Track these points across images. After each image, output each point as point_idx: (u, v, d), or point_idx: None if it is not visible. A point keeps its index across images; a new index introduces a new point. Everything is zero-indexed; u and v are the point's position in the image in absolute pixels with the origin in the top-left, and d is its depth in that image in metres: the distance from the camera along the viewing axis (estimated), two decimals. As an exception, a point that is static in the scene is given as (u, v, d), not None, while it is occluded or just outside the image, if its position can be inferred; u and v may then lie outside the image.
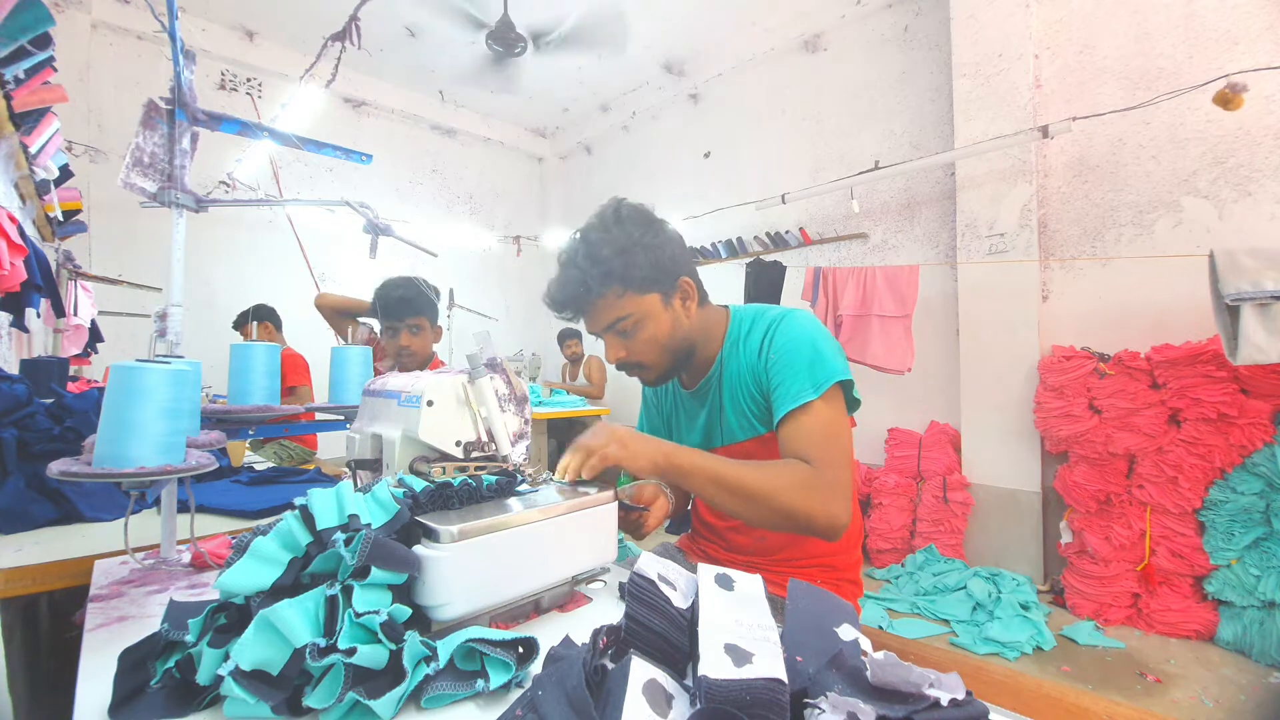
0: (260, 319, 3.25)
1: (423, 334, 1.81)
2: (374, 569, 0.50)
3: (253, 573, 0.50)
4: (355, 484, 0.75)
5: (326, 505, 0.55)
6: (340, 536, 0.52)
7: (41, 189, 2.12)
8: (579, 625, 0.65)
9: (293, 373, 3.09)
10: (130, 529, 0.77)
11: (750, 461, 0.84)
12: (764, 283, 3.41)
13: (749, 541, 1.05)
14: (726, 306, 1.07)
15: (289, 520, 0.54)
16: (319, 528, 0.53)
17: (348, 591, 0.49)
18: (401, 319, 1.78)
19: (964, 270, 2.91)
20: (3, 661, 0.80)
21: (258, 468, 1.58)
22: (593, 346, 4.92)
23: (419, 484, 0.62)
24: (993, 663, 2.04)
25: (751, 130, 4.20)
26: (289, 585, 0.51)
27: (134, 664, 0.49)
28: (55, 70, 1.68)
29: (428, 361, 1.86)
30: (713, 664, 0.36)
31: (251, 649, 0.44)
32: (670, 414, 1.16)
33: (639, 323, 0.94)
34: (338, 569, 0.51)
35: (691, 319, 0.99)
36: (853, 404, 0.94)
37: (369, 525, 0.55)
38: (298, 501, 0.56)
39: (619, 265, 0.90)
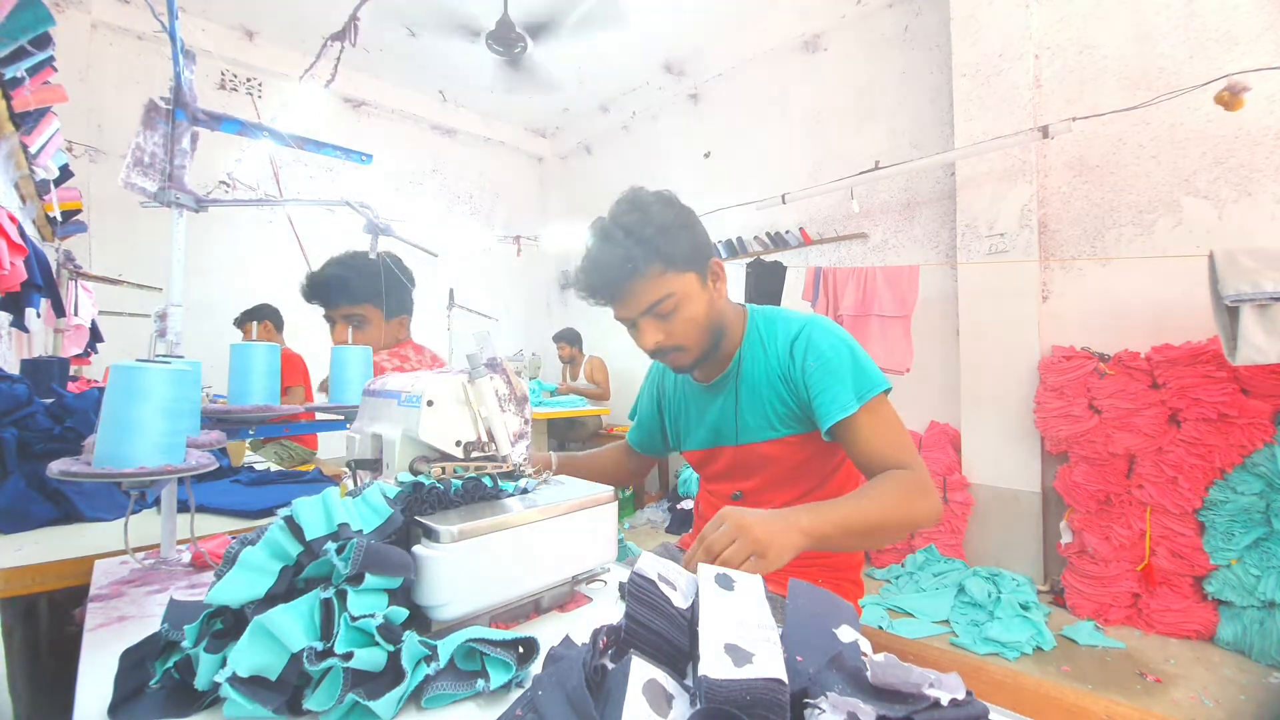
0: (261, 318, 3.25)
1: (369, 328, 1.41)
2: (368, 574, 0.50)
3: (244, 584, 0.49)
4: (354, 482, 0.75)
5: (314, 515, 0.53)
6: (331, 546, 0.51)
7: (41, 189, 2.12)
8: (579, 625, 0.65)
9: (290, 373, 3.09)
10: (130, 529, 0.77)
11: (864, 494, 0.82)
12: (764, 283, 3.41)
13: None
14: (742, 304, 1.08)
15: (275, 532, 0.52)
16: (308, 538, 0.51)
17: (342, 595, 0.49)
18: (334, 308, 1.41)
19: (964, 270, 2.91)
20: (3, 661, 0.80)
21: (257, 468, 1.58)
22: (590, 347, 4.92)
23: (393, 490, 0.60)
24: (993, 663, 2.04)
25: (751, 130, 4.20)
26: (282, 592, 0.50)
27: (134, 664, 0.49)
28: (55, 70, 1.68)
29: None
30: (713, 664, 0.36)
31: (248, 655, 0.44)
32: (679, 408, 1.15)
33: (680, 303, 0.93)
34: (331, 574, 0.51)
35: (723, 300, 1.01)
36: None
37: (360, 532, 0.54)
38: (281, 513, 0.54)
39: (663, 243, 0.89)
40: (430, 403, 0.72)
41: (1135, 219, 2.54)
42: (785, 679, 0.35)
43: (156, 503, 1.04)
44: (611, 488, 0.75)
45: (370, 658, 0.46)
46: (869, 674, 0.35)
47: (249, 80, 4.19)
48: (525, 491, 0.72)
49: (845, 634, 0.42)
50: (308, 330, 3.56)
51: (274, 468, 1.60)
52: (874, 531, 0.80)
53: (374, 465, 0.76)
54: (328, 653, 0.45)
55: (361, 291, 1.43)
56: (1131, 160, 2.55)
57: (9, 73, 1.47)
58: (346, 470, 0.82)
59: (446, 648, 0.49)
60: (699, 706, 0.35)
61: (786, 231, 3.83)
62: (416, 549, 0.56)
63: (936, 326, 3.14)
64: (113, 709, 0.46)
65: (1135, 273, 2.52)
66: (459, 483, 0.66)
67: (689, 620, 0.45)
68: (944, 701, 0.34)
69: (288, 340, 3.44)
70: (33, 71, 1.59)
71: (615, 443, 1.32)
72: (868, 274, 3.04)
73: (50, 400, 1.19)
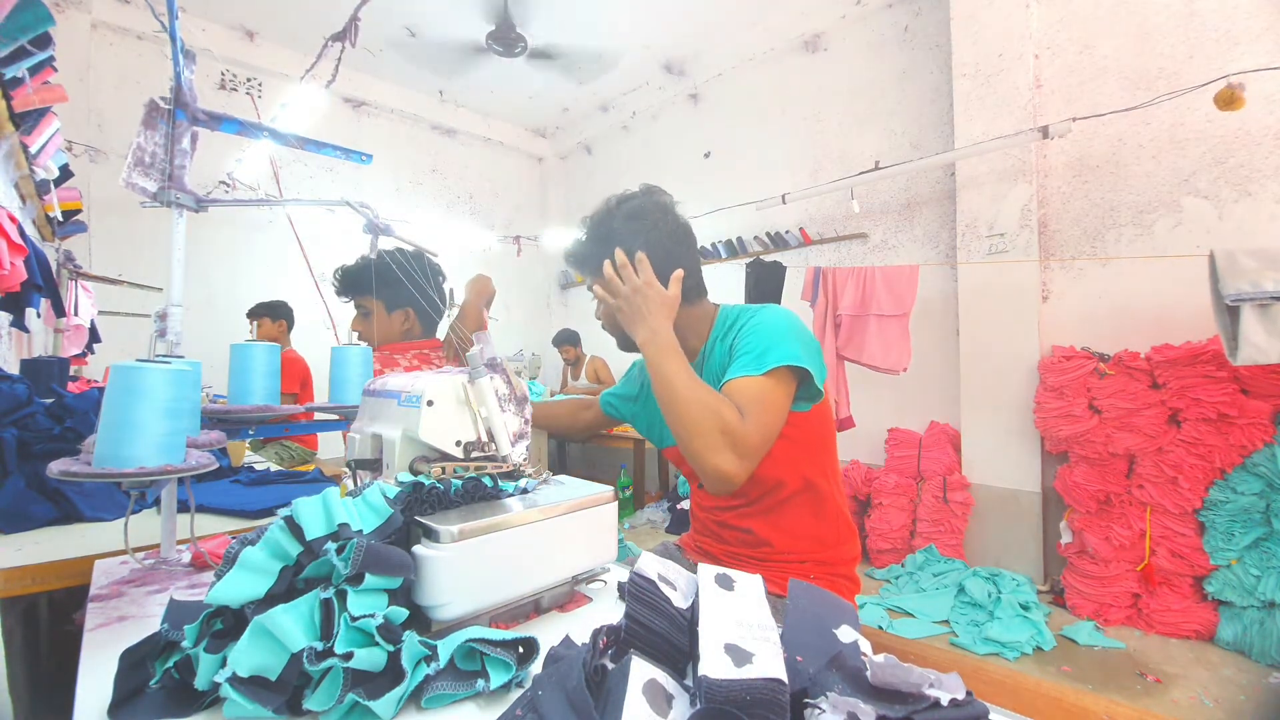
0: (278, 316, 3.28)
1: (371, 318, 1.56)
2: (368, 575, 0.50)
3: (244, 583, 0.49)
4: (354, 482, 0.75)
5: (314, 515, 0.53)
6: (331, 546, 0.51)
7: (41, 189, 2.12)
8: (579, 625, 0.65)
9: (286, 377, 3.10)
10: (130, 529, 0.77)
11: (698, 381, 0.90)
12: (764, 283, 3.41)
13: (735, 535, 1.08)
14: (717, 305, 1.11)
15: (275, 532, 0.52)
16: (308, 538, 0.51)
17: (342, 596, 0.49)
18: (348, 300, 1.58)
19: (964, 270, 2.91)
20: (3, 662, 0.80)
21: (257, 468, 1.58)
22: (588, 346, 4.92)
23: (393, 490, 0.60)
24: (993, 663, 2.05)
25: (751, 130, 4.20)
26: (282, 592, 0.50)
27: (134, 664, 0.49)
28: (55, 70, 1.68)
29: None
30: (713, 664, 0.36)
31: (248, 655, 0.44)
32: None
33: (596, 298, 1.09)
34: (331, 574, 0.51)
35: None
36: (815, 394, 0.97)
37: (360, 532, 0.54)
38: (281, 513, 0.54)
39: (583, 253, 1.08)
40: (430, 403, 0.72)
41: (1135, 219, 2.54)
42: (785, 679, 0.35)
43: (156, 503, 1.04)
44: (610, 488, 0.75)
45: (370, 658, 0.46)
46: (869, 674, 0.35)
47: (249, 80, 4.19)
48: (525, 491, 0.72)
49: (845, 634, 0.42)
50: (306, 333, 3.57)
51: (274, 468, 1.60)
52: (664, 400, 0.91)
53: (374, 465, 0.76)
54: (328, 653, 0.45)
55: (364, 284, 1.57)
56: (1131, 160, 2.55)
57: (9, 72, 1.47)
58: (346, 470, 0.82)
59: (446, 648, 0.49)
60: (699, 706, 0.35)
61: (786, 231, 3.83)
62: (416, 549, 0.56)
63: (936, 326, 3.14)
64: (113, 709, 0.46)
65: (1135, 273, 2.52)
66: (459, 483, 0.66)
67: (689, 620, 0.45)
68: (944, 701, 0.34)
69: (293, 343, 3.45)
70: (33, 71, 1.59)
71: (578, 397, 1.36)
72: (867, 274, 3.04)
73: (50, 400, 1.19)
